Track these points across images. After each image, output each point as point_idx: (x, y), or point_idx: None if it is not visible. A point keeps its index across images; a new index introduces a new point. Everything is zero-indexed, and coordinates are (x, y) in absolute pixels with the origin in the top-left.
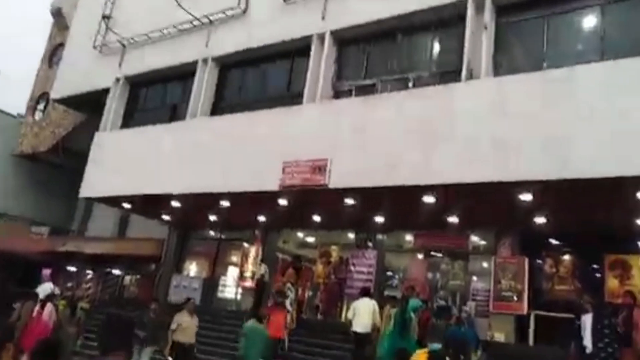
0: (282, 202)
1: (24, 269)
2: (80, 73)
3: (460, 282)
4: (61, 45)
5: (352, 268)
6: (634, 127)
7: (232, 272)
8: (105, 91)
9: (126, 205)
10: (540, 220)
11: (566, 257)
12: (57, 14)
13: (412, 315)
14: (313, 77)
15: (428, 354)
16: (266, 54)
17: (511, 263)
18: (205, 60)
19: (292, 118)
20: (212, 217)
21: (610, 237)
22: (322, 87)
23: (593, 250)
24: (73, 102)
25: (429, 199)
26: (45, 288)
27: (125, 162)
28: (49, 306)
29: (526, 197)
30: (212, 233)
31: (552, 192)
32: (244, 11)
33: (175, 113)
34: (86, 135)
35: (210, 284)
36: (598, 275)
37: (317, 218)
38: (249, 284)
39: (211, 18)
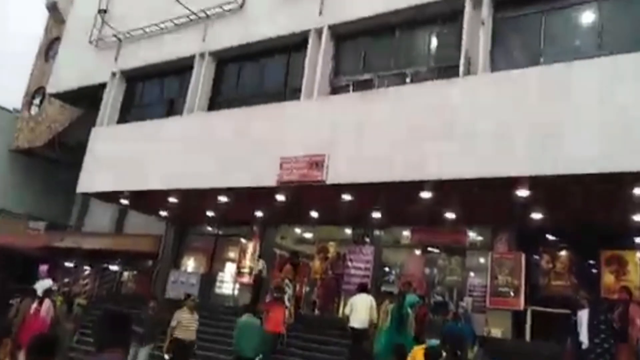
0: (280, 197)
1: (23, 265)
2: (77, 68)
3: (457, 277)
4: (57, 39)
5: (349, 264)
6: (630, 123)
7: (230, 268)
8: (102, 86)
9: (123, 201)
10: (537, 216)
11: (563, 252)
12: (53, 8)
13: (409, 310)
14: (310, 72)
15: (425, 349)
16: (263, 48)
17: (508, 259)
18: (202, 55)
19: (290, 113)
20: (210, 213)
21: (606, 233)
22: (319, 83)
23: (589, 246)
24: (69, 96)
25: (426, 194)
26: (44, 284)
27: (122, 158)
28: (46, 302)
29: (523, 193)
30: (209, 229)
31: (549, 188)
32: (241, 5)
33: (172, 108)
34: (83, 131)
35: (208, 279)
36: (594, 271)
37: (314, 214)
38: (246, 279)
39: (208, 12)
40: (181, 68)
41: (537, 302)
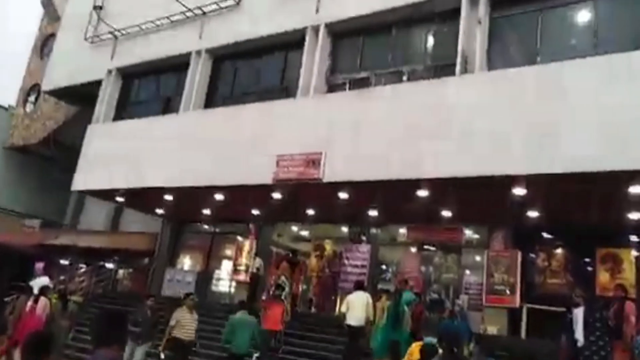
0: (276, 195)
1: (18, 263)
2: (72, 65)
3: (453, 275)
4: (52, 36)
5: (346, 262)
6: (625, 122)
7: (226, 265)
8: (98, 83)
9: (119, 199)
10: (533, 214)
11: (558, 250)
12: (48, 5)
13: (405, 308)
14: (307, 70)
15: (421, 346)
16: (260, 46)
17: (504, 257)
18: (198, 52)
19: (286, 111)
20: (206, 211)
21: (601, 231)
22: (316, 80)
23: (585, 244)
24: (65, 94)
25: (422, 193)
26: (40, 282)
27: (118, 155)
28: (42, 300)
29: (519, 191)
30: (206, 227)
31: (545, 186)
32: (238, 2)
33: (168, 105)
34: (78, 128)
35: (204, 277)
36: (590, 268)
37: (311, 212)
38: (242, 277)
39: (205, 9)
40: (177, 65)
41: (533, 299)
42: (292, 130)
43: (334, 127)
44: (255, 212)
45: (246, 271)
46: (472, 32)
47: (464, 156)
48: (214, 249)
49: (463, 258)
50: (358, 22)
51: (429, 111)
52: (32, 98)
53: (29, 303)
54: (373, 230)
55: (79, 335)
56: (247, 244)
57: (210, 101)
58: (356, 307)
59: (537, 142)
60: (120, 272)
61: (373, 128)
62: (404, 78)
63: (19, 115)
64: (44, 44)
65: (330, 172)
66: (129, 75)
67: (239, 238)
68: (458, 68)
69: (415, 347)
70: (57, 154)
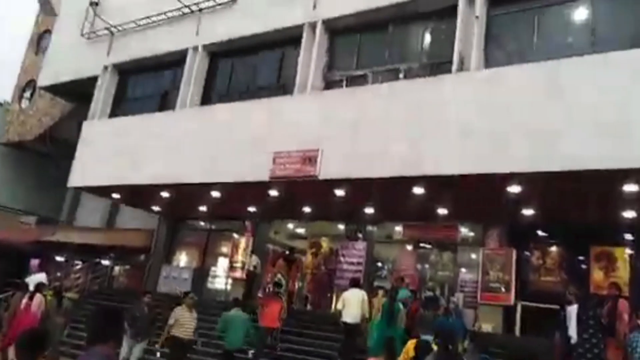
0: (273, 193)
1: (14, 259)
2: (68, 61)
3: (448, 273)
4: (48, 31)
5: (342, 259)
6: (622, 121)
7: (222, 262)
8: (94, 79)
9: (115, 196)
10: (528, 212)
11: (553, 249)
12: (44, 0)
13: (401, 305)
14: (304, 67)
15: (416, 342)
16: (257, 42)
17: (499, 254)
18: (195, 49)
19: (283, 108)
20: (202, 208)
21: (596, 229)
22: (313, 77)
23: (579, 242)
24: (61, 90)
25: (419, 190)
26: (37, 278)
27: (114, 152)
28: (37, 297)
29: (514, 189)
30: (202, 224)
31: (540, 184)
32: None
33: (164, 102)
34: (74, 125)
35: (200, 274)
36: (584, 266)
37: (307, 209)
38: (238, 274)
39: (201, 6)
40: (174, 62)
41: (528, 297)
42: (288, 127)
43: (330, 124)
44: (251, 209)
45: (242, 268)
46: (469, 29)
47: (460, 154)
48: (210, 246)
49: (458, 256)
50: (355, 19)
51: (426, 109)
52: (27, 94)
53: (24, 300)
54: (369, 228)
55: (74, 332)
56: (244, 241)
57: (207, 98)
58: (352, 305)
59: (532, 140)
60: (116, 268)
61: (369, 125)
62: (401, 76)
63: (15, 111)
64: (40, 40)
65: (326, 170)
66: (125, 72)
67: (235, 235)
68: (455, 66)
69: (410, 345)
70: (53, 150)
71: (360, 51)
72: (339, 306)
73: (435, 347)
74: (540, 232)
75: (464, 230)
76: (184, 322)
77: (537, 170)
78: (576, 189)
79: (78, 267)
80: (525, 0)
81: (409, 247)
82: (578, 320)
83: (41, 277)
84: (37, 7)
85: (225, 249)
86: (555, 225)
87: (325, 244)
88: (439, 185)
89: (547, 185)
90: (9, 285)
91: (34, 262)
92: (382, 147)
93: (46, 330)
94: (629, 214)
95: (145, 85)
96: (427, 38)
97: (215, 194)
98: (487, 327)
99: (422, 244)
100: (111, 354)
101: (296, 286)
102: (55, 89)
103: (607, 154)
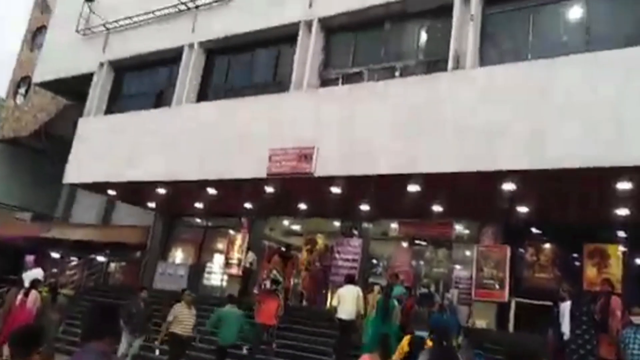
0: (269, 189)
1: (9, 255)
2: (63, 57)
3: (443, 270)
4: (43, 27)
5: (337, 256)
6: (613, 119)
7: (218, 259)
8: (89, 76)
9: (111, 192)
10: (522, 210)
11: (547, 246)
12: None
13: (395, 302)
14: (300, 64)
15: (410, 338)
16: (253, 40)
17: (493, 252)
18: (191, 46)
19: (279, 105)
20: (199, 205)
21: (589, 227)
22: (309, 75)
23: (573, 239)
24: (56, 86)
25: (414, 188)
26: (34, 274)
27: (110, 149)
28: (33, 293)
29: (509, 186)
30: (198, 220)
31: (534, 182)
32: None
33: (160, 99)
34: (69, 121)
35: (196, 271)
36: (577, 263)
37: (303, 206)
38: (234, 271)
39: (197, 3)
40: (170, 59)
41: (521, 294)
42: (284, 124)
43: (326, 121)
44: (247, 206)
45: (238, 265)
46: (465, 28)
47: (454, 151)
48: (206, 242)
49: (453, 253)
50: (351, 17)
51: (421, 107)
52: (22, 90)
53: (20, 296)
54: (365, 225)
55: (69, 329)
56: (239, 238)
57: (203, 95)
58: (347, 301)
59: (526, 138)
60: (112, 265)
61: (365, 123)
62: (397, 74)
63: (9, 107)
64: (35, 36)
65: (322, 167)
66: (121, 68)
67: (231, 232)
68: (450, 64)
69: (405, 341)
70: (48, 146)
71: (356, 49)
72: (334, 303)
73: (430, 343)
74: (534, 230)
75: (459, 228)
76: (182, 318)
77: (531, 168)
78: (569, 187)
79: (73, 263)
80: None
81: (404, 244)
82: (571, 317)
83: (37, 272)
84: (32, 3)
85: (221, 246)
86: (550, 223)
87: (320, 240)
88: (434, 182)
89: (541, 183)
90: (4, 282)
91: (29, 258)
92: (378, 145)
93: (41, 326)
94: (622, 211)
95: (141, 82)
96: (423, 36)
97: (211, 190)
98: (481, 324)
99: (417, 241)
100: (106, 350)
101: (291, 283)
102: (51, 86)
103: (600, 152)
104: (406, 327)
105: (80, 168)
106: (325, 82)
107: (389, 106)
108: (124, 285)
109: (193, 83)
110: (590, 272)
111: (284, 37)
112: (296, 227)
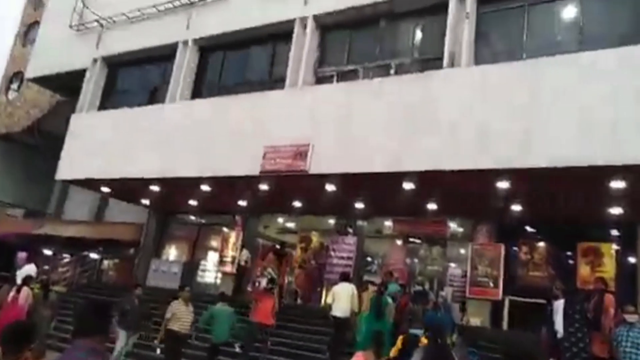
0: (263, 187)
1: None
2: (56, 53)
3: (437, 267)
4: (36, 23)
5: (332, 253)
6: (607, 118)
7: (212, 257)
8: (83, 72)
9: (104, 189)
10: (516, 208)
11: (541, 244)
12: None
13: (389, 299)
14: (295, 62)
15: (404, 335)
16: (248, 37)
17: (488, 250)
18: (185, 43)
19: (274, 103)
20: (192, 202)
21: (583, 225)
22: (304, 73)
23: (566, 238)
24: (49, 82)
25: (408, 186)
26: (27, 270)
27: (103, 145)
28: (25, 290)
29: (503, 185)
30: (192, 217)
31: (528, 180)
32: None
33: (154, 95)
34: (62, 117)
35: (190, 268)
36: (571, 262)
37: (297, 204)
38: (228, 268)
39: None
40: (164, 56)
41: (515, 292)
42: (279, 122)
43: (321, 119)
44: (241, 203)
45: (232, 262)
46: (460, 26)
47: (449, 150)
48: (200, 240)
49: (448, 251)
50: (346, 15)
51: (416, 105)
52: (15, 85)
53: (11, 293)
54: (359, 223)
55: (61, 325)
56: (233, 236)
57: (198, 92)
58: (341, 299)
59: (521, 136)
60: (105, 262)
61: (360, 120)
62: (392, 71)
63: (2, 103)
64: (28, 32)
65: (316, 164)
66: (114, 65)
67: (225, 229)
68: (445, 62)
69: (399, 341)
70: (41, 142)
71: (351, 47)
72: (329, 300)
73: (424, 341)
74: (528, 228)
75: (454, 226)
76: (180, 316)
77: (525, 166)
78: (563, 185)
79: (66, 260)
80: None
81: (399, 242)
82: (564, 315)
83: (30, 268)
84: None
85: (215, 243)
86: (543, 221)
87: (315, 238)
88: (429, 180)
89: (535, 182)
90: None
91: (22, 255)
92: (373, 142)
93: (33, 323)
94: (615, 210)
95: (135, 78)
96: (418, 34)
97: (205, 188)
98: (475, 321)
99: (411, 239)
100: (97, 347)
101: (286, 280)
102: (43, 81)
103: (594, 151)
104: (400, 325)
105: (72, 164)
106: (320, 79)
107: (383, 104)
108: (117, 283)
109: (187, 80)
110: (584, 270)
111: (279, 35)
112: (291, 225)
